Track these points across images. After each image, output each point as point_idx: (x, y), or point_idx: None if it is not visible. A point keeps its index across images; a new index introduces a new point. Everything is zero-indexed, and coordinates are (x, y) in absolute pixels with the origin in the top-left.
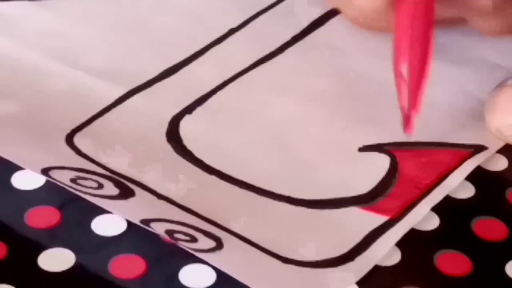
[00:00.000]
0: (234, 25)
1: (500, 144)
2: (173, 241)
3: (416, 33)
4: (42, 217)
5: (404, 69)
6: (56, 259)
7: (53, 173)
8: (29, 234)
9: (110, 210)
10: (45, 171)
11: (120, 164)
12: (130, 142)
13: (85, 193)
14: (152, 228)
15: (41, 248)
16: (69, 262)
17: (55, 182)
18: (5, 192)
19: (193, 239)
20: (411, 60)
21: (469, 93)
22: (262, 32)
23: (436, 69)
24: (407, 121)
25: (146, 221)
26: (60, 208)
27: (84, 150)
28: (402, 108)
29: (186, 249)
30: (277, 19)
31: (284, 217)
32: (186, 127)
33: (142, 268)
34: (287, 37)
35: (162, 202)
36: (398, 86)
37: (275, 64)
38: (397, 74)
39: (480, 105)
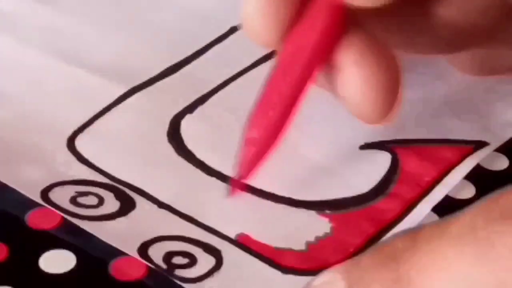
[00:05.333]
0: (235, 23)
1: (502, 140)
2: (169, 275)
3: (288, 88)
4: (43, 219)
5: (255, 131)
6: (57, 261)
7: (52, 194)
8: (30, 235)
9: (109, 242)
10: (45, 193)
11: (121, 169)
12: (131, 144)
13: (84, 218)
14: (152, 259)
15: (42, 249)
16: (70, 264)
17: (54, 210)
18: (5, 193)
19: (192, 261)
20: (268, 119)
21: (467, 89)
22: None
23: (437, 65)
24: (234, 184)
25: (145, 246)
26: None
27: (85, 155)
28: (236, 167)
29: (182, 284)
30: None
31: (285, 220)
32: (187, 127)
33: (142, 270)
34: None
35: (163, 211)
36: (243, 142)
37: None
38: (246, 134)
39: (480, 101)
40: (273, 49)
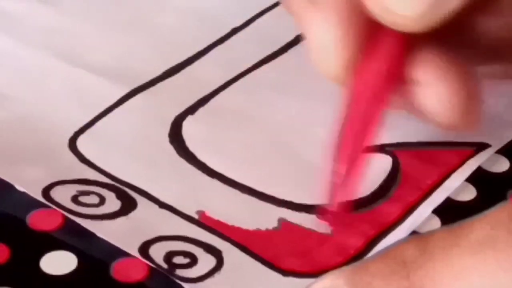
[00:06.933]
0: (237, 24)
1: (503, 142)
2: (170, 275)
3: (367, 113)
4: (44, 220)
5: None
6: (58, 262)
7: (54, 192)
8: (31, 237)
9: (110, 241)
10: (46, 191)
11: (123, 169)
12: (132, 145)
13: (85, 217)
14: (153, 259)
15: (43, 251)
16: (71, 265)
17: (55, 209)
18: (7, 194)
19: (193, 260)
20: (352, 151)
21: None
22: (266, 31)
23: None
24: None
25: (147, 245)
26: None
27: (87, 155)
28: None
29: (183, 284)
30: (281, 18)
31: (286, 225)
32: (189, 128)
33: (144, 272)
34: (291, 36)
35: (163, 211)
36: (331, 177)
37: (278, 63)
38: (334, 165)
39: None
40: (339, 82)
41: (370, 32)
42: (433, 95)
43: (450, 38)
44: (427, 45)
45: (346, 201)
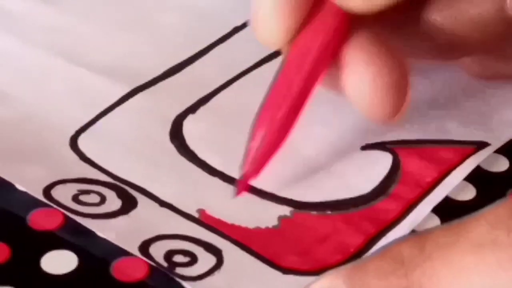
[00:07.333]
0: (238, 23)
1: (503, 141)
2: (170, 273)
3: (295, 88)
4: (45, 219)
5: (262, 130)
6: (59, 261)
7: (55, 191)
8: (32, 236)
9: (110, 240)
10: (47, 190)
11: (123, 168)
12: (133, 143)
13: (86, 216)
14: (153, 257)
15: (43, 250)
16: (71, 264)
17: (56, 208)
18: (8, 194)
19: (193, 259)
20: (275, 118)
21: (469, 91)
22: None
23: (443, 69)
24: (241, 183)
25: (147, 244)
26: None
27: (88, 153)
28: (242, 166)
29: (183, 282)
30: None
31: (286, 223)
32: (189, 127)
33: (144, 271)
34: None
35: (164, 210)
36: (248, 145)
37: (279, 63)
38: (253, 133)
39: (483, 101)
40: (279, 49)
41: (313, 5)
42: (356, 79)
43: (399, 26)
44: (367, 28)
45: (259, 164)
